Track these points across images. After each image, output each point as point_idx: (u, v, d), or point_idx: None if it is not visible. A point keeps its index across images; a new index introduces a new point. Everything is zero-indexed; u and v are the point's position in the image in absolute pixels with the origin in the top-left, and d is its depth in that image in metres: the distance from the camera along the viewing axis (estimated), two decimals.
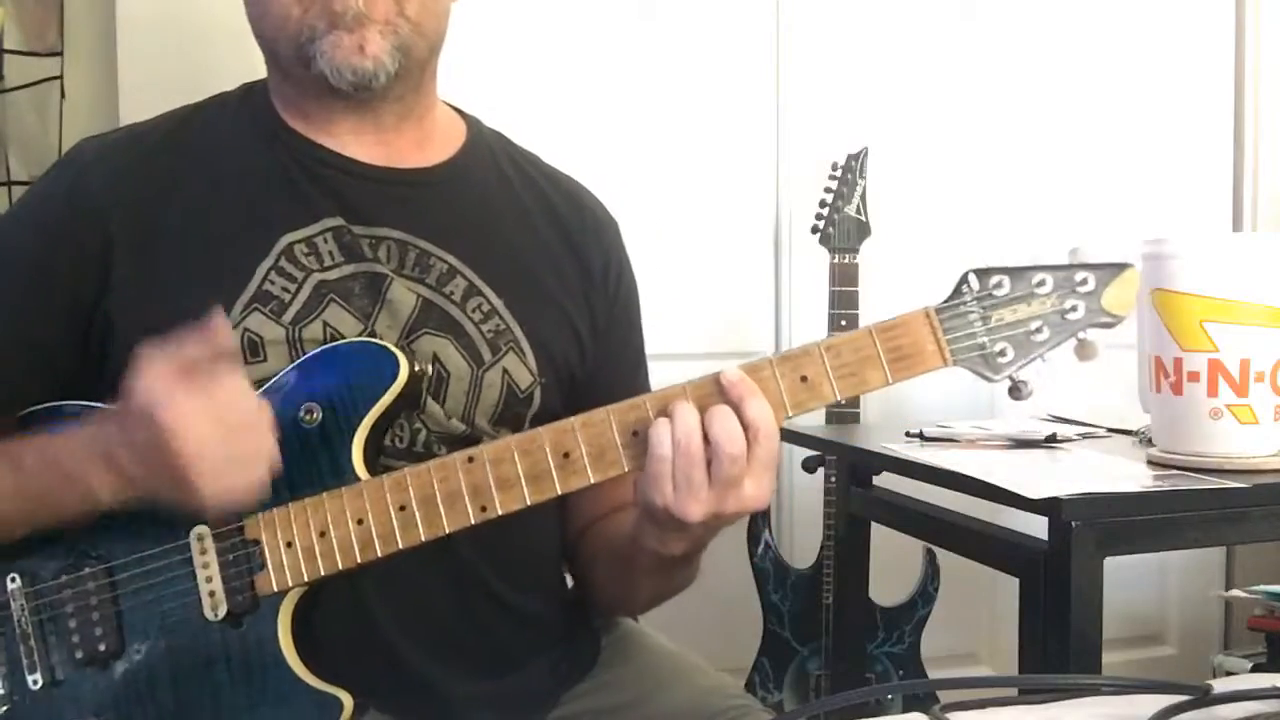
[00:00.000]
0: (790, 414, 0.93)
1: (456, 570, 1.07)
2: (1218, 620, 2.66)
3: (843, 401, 0.96)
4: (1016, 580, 1.37)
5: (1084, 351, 0.93)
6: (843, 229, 2.11)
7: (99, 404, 1.04)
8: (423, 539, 0.96)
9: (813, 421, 1.95)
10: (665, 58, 2.27)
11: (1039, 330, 0.92)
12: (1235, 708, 0.78)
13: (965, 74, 2.43)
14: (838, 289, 2.09)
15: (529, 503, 0.95)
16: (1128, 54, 2.52)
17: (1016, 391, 0.93)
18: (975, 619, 2.44)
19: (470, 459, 0.95)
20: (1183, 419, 1.36)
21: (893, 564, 2.09)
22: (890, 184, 2.27)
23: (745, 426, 0.91)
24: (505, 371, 1.11)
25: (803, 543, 2.30)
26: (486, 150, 1.22)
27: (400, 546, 0.96)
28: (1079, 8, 2.49)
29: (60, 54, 1.84)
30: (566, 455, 0.94)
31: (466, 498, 0.95)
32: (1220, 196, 2.64)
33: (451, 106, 1.24)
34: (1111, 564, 1.27)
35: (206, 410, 0.90)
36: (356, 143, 1.13)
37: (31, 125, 1.83)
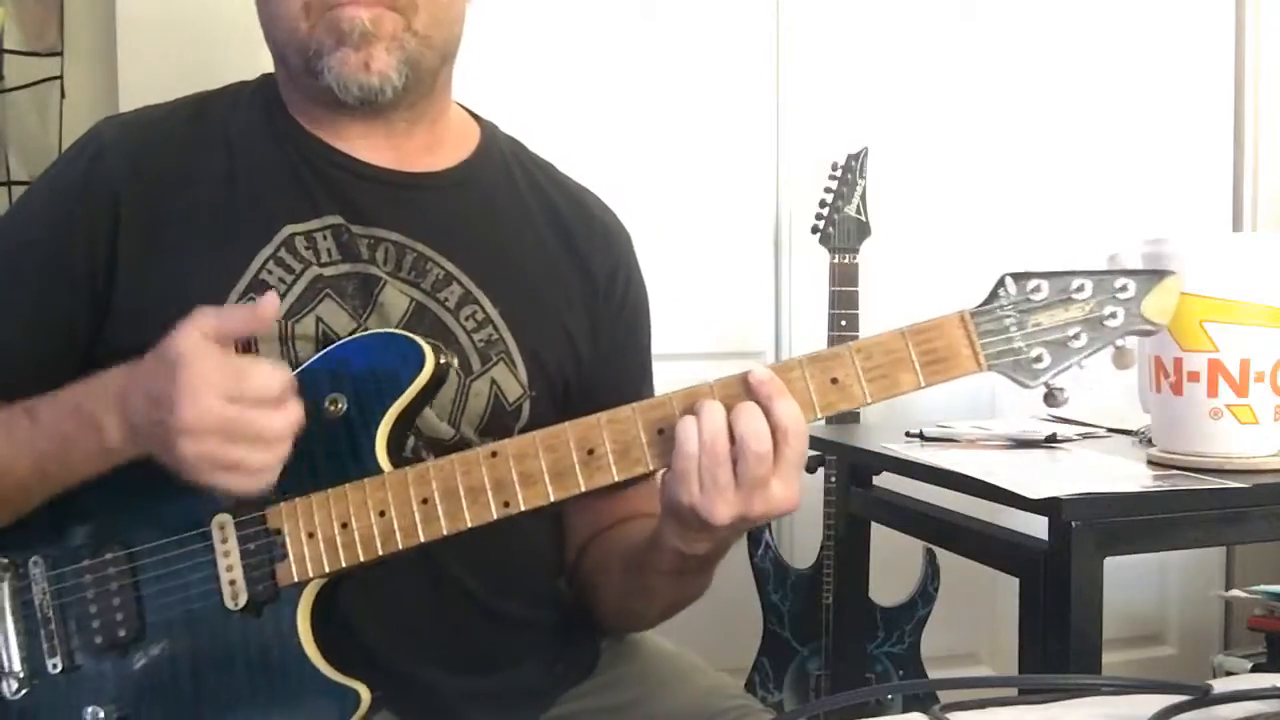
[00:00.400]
0: (819, 415, 0.92)
1: (435, 576, 1.07)
2: (1218, 620, 2.65)
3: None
4: (1016, 580, 1.36)
5: (1121, 359, 0.91)
6: (843, 229, 2.11)
7: None
8: (445, 533, 0.95)
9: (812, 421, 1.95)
10: (665, 58, 2.27)
11: (1077, 336, 0.90)
12: (1235, 708, 0.78)
13: (965, 74, 2.43)
14: (838, 289, 2.09)
15: (552, 499, 0.93)
16: (1128, 54, 2.52)
17: (1052, 399, 0.91)
18: (975, 619, 2.44)
19: (494, 453, 0.94)
20: (1183, 419, 1.36)
21: (893, 564, 2.09)
22: (890, 184, 2.27)
23: (773, 426, 0.89)
24: (494, 382, 1.10)
25: (803, 543, 2.30)
26: (498, 156, 1.21)
27: (422, 539, 0.95)
28: (1079, 8, 2.49)
29: (60, 54, 1.84)
30: (591, 452, 0.93)
31: (489, 492, 0.94)
32: (1220, 196, 2.64)
33: (468, 111, 1.24)
34: (1111, 564, 1.27)
35: (224, 383, 0.87)
36: (367, 146, 1.13)
37: (31, 125, 1.83)
